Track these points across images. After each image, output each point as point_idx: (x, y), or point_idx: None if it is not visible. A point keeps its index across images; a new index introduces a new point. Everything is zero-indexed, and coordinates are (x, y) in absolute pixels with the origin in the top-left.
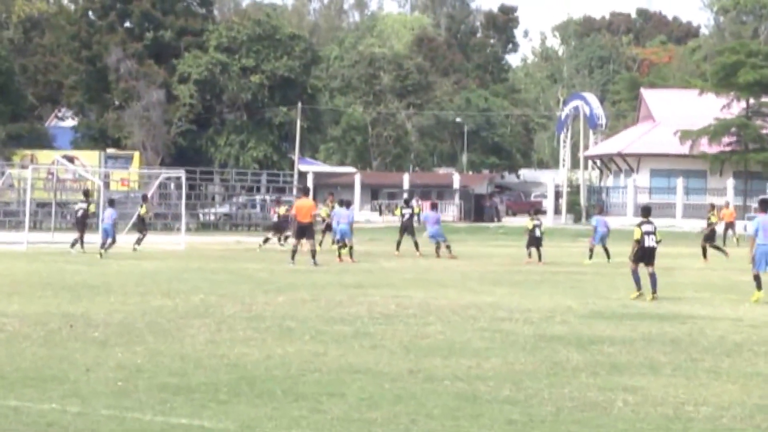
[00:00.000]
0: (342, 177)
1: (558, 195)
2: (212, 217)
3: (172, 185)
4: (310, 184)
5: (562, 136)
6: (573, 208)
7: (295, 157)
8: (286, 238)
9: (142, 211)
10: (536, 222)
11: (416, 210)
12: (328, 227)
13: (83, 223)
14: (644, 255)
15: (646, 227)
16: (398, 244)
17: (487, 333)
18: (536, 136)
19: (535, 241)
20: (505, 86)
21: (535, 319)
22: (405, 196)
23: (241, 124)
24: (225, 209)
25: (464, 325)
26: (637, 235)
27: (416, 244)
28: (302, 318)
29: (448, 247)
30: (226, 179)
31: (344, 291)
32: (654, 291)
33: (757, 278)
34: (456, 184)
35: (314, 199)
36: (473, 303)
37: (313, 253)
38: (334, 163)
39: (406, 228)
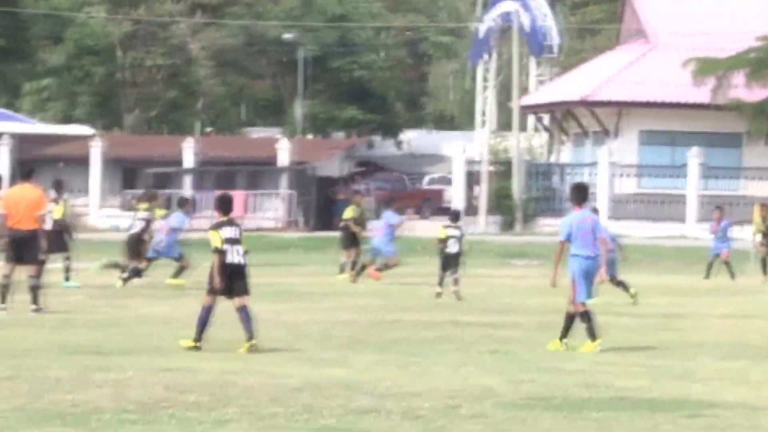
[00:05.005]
0: (67, 144)
1: (473, 179)
2: None
3: None
4: (4, 155)
5: (479, 70)
6: (500, 203)
7: None
8: None
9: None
10: (453, 232)
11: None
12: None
13: None
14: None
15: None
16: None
17: None
18: (433, 70)
19: (450, 261)
20: None
21: (424, 411)
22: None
23: None
24: None
25: (290, 424)
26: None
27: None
28: None
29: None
30: None
31: (70, 360)
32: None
33: (571, 319)
34: (283, 159)
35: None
36: (309, 381)
37: (35, 290)
38: (51, 117)
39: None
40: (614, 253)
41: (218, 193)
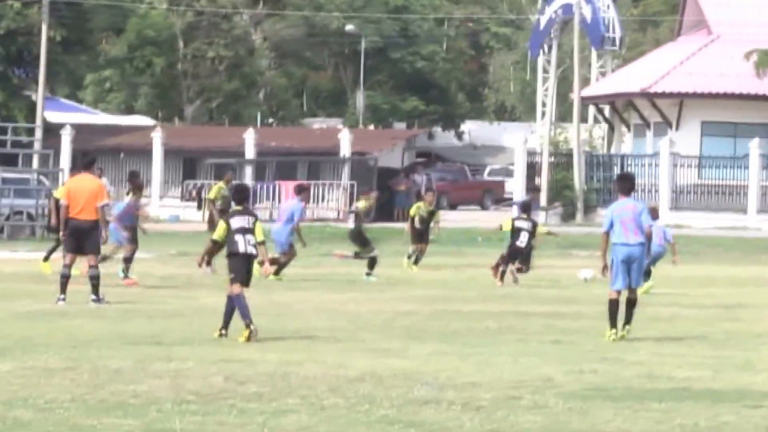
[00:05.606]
0: (128, 135)
1: (533, 170)
2: None
3: None
4: (66, 146)
5: (540, 62)
6: (561, 194)
7: (38, 96)
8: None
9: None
10: (523, 224)
11: None
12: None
13: None
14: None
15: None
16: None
17: (396, 429)
18: (493, 61)
19: (518, 256)
20: None
21: (485, 402)
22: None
23: None
24: None
25: (350, 415)
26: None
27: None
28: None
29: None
30: None
31: (129, 350)
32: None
33: (614, 305)
34: (345, 149)
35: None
36: (370, 371)
37: (95, 280)
38: (113, 108)
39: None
40: (662, 249)
41: (236, 183)
